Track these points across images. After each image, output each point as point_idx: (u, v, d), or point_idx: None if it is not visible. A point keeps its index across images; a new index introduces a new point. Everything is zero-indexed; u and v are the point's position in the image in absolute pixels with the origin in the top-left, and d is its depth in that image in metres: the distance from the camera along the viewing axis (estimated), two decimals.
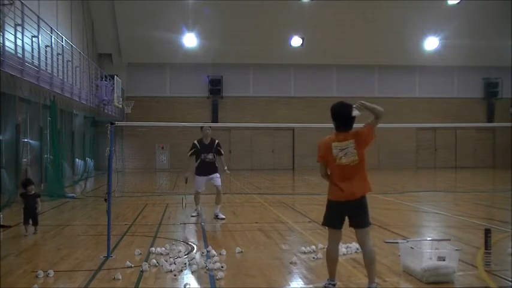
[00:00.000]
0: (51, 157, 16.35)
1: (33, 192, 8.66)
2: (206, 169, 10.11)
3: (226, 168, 10.25)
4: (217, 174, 10.21)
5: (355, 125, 5.10)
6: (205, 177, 10.18)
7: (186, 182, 10.27)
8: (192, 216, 10.32)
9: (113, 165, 7.34)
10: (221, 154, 10.20)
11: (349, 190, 4.99)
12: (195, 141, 10.14)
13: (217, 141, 10.21)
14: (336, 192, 5.06)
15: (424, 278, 5.44)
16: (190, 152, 10.16)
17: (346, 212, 5.05)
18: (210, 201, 11.23)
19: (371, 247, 5.06)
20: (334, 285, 5.14)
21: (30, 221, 8.50)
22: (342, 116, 5.03)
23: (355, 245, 6.96)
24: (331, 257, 5.15)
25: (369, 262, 5.00)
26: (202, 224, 9.64)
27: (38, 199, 8.73)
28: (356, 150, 4.96)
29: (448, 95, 32.38)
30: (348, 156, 4.97)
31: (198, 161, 10.12)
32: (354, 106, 5.04)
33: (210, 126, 10.42)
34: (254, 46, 28.68)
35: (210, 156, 10.07)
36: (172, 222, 10.01)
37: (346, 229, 5.23)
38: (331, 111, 5.10)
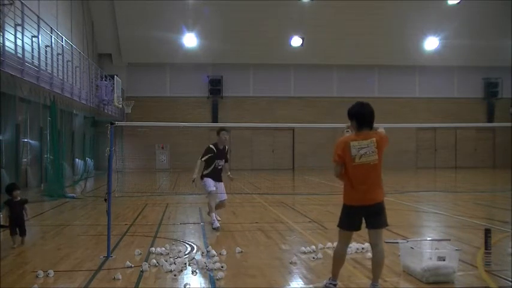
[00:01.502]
0: (51, 157, 16.34)
1: (19, 198, 7.63)
2: (217, 176, 9.39)
3: (229, 173, 9.71)
4: (223, 184, 9.55)
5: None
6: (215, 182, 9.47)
7: (193, 182, 9.34)
8: (215, 228, 8.90)
9: (113, 165, 7.33)
10: (227, 161, 9.64)
11: (368, 195, 4.91)
12: (212, 146, 9.28)
13: (227, 147, 9.66)
14: (354, 197, 4.96)
15: (424, 278, 5.44)
16: (205, 157, 9.17)
17: (364, 215, 4.97)
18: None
19: (382, 248, 5.01)
20: (335, 285, 5.13)
21: (18, 231, 7.50)
22: (366, 116, 4.96)
23: (355, 245, 6.96)
24: (339, 257, 5.11)
25: (376, 263, 4.97)
26: (202, 224, 9.63)
27: (26, 205, 7.72)
28: (377, 150, 4.89)
29: (448, 95, 32.38)
30: (368, 156, 4.87)
31: (211, 167, 9.28)
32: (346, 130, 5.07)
33: (228, 131, 9.47)
34: (254, 46, 28.69)
35: (222, 163, 9.39)
36: (172, 222, 10.01)
37: None
38: (355, 112, 4.98)
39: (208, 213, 9.36)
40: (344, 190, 5.06)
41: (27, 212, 7.71)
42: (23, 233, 7.55)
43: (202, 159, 9.20)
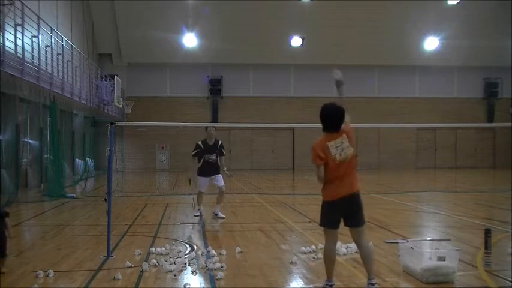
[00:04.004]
0: (51, 157, 16.34)
1: None
2: (209, 170, 10.13)
3: (225, 168, 10.31)
4: (220, 175, 10.24)
5: None
6: (207, 177, 10.21)
7: (190, 183, 10.43)
8: (195, 216, 10.24)
9: (113, 165, 7.33)
10: (223, 155, 10.26)
11: (347, 186, 5.04)
12: (199, 142, 10.19)
13: (220, 141, 10.25)
14: (335, 191, 5.06)
15: (424, 278, 5.44)
16: (193, 153, 10.19)
17: (343, 211, 5.08)
18: (212, 201, 11.21)
19: (367, 244, 5.15)
20: (331, 285, 5.14)
21: None
22: (335, 117, 5.20)
23: (355, 245, 6.95)
24: (329, 257, 5.15)
25: (366, 258, 5.06)
26: (202, 224, 9.64)
27: (7, 219, 5.88)
28: (349, 144, 5.09)
29: (448, 95, 32.39)
30: (345, 151, 5.05)
31: (201, 162, 10.12)
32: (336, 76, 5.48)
33: (215, 127, 10.44)
34: (254, 46, 28.69)
35: (213, 156, 10.10)
36: (172, 222, 10.01)
37: (346, 229, 5.23)
38: (325, 112, 5.24)
39: (197, 204, 10.38)
40: (324, 188, 5.16)
41: (8, 228, 5.85)
42: (2, 254, 5.77)
43: (192, 154, 10.23)
